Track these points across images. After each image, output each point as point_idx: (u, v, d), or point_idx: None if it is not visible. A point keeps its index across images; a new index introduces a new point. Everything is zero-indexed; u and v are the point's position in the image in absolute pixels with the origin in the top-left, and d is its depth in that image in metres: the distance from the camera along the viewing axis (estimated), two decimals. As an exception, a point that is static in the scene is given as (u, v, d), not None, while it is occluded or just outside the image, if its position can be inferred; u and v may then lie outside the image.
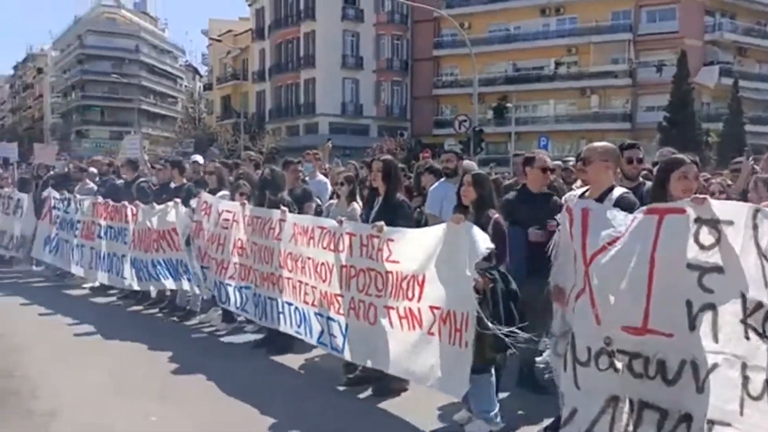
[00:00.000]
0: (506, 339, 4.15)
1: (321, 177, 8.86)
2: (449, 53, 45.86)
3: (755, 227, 3.10)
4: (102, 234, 9.06)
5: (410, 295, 4.62)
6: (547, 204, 5.01)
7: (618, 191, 4.12)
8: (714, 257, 3.13)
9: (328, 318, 5.45)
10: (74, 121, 72.13)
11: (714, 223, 3.17)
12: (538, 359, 5.69)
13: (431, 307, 4.46)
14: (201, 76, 74.84)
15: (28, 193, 11.37)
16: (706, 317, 3.11)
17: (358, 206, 6.07)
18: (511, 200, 5.32)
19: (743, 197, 5.03)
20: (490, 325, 4.11)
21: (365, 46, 47.22)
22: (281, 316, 6.13)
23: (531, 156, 5.47)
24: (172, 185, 8.70)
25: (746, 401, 3.00)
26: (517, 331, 4.16)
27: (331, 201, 6.89)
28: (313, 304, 5.67)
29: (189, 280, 7.82)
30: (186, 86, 79.59)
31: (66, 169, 11.84)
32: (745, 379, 3.02)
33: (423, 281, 4.54)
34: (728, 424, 2.98)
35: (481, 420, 4.45)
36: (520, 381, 5.32)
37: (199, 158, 10.59)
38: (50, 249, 10.13)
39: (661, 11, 41.27)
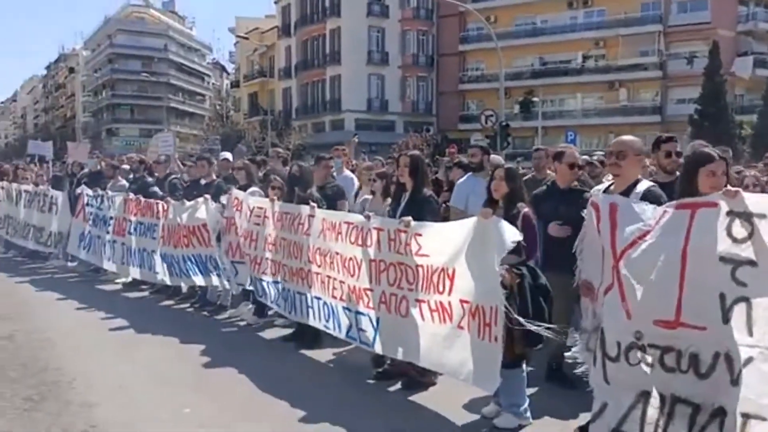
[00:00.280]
0: (535, 334, 4.16)
1: (348, 173, 8.90)
2: (475, 48, 45.66)
3: None
4: (132, 230, 9.23)
5: (441, 289, 4.64)
6: (574, 200, 4.99)
7: (644, 184, 4.09)
8: (747, 250, 3.10)
9: (357, 312, 5.50)
10: (105, 120, 73.44)
11: (747, 217, 3.14)
12: (566, 354, 5.67)
13: (461, 301, 4.48)
14: (228, 74, 75.52)
15: (62, 191, 11.63)
16: (740, 310, 3.09)
17: None
18: (538, 195, 5.32)
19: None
20: (520, 320, 4.12)
21: (391, 41, 47.22)
22: (310, 310, 6.20)
23: (560, 151, 5.44)
24: (202, 182, 8.83)
25: (782, 395, 2.96)
26: (542, 325, 4.16)
27: (366, 197, 6.92)
28: (341, 299, 5.72)
29: (218, 276, 7.94)
30: (213, 84, 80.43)
31: (98, 167, 12.05)
32: (781, 373, 2.98)
33: (453, 275, 4.56)
34: (764, 419, 2.95)
35: (510, 414, 4.47)
36: (548, 376, 5.32)
37: (228, 155, 10.71)
38: (84, 245, 10.33)
39: (692, 1, 40.52)
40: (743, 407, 3.00)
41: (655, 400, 3.38)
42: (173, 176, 10.02)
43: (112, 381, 5.52)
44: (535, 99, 40.74)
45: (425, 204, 5.36)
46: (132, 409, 4.89)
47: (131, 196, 9.42)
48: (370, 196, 6.71)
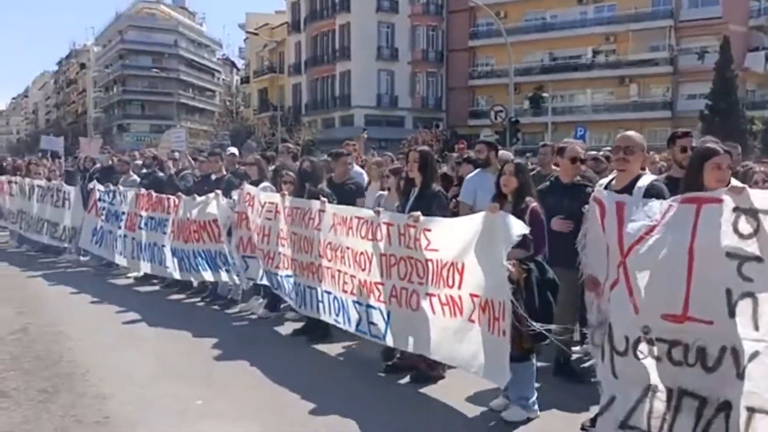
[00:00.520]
0: (541, 331, 4.19)
1: (357, 168, 8.94)
2: (485, 43, 45.54)
3: None
4: (143, 225, 9.31)
5: (451, 283, 4.69)
6: (577, 194, 5.01)
7: (646, 179, 4.13)
8: (753, 246, 3.13)
9: (368, 306, 5.56)
10: (115, 116, 73.84)
11: (753, 213, 3.16)
12: (574, 349, 5.70)
13: (471, 295, 4.52)
14: (238, 70, 75.67)
15: (74, 186, 11.73)
16: (746, 305, 3.11)
17: None
18: (542, 190, 5.33)
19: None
20: (525, 317, 4.14)
21: (400, 37, 47.13)
22: (320, 304, 6.26)
23: (562, 146, 5.48)
24: (213, 177, 8.90)
25: (787, 390, 2.99)
26: (542, 327, 4.19)
27: (380, 193, 6.95)
28: (352, 293, 5.78)
29: (228, 271, 8.00)
30: (223, 80, 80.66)
31: (110, 162, 12.15)
32: (786, 368, 3.01)
33: (462, 269, 4.60)
34: (768, 412, 2.98)
35: (519, 407, 4.51)
36: (556, 371, 5.35)
37: (235, 150, 10.79)
38: (96, 240, 10.42)
39: (704, -4, 40.27)
40: (748, 401, 3.03)
41: (662, 394, 3.41)
42: (185, 171, 10.11)
43: (125, 373, 5.60)
44: (544, 94, 40.59)
45: (434, 199, 5.39)
46: (144, 401, 4.96)
47: (143, 191, 9.50)
48: (385, 192, 6.74)
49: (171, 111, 68.22)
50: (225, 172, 8.96)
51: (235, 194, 7.78)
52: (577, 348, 5.79)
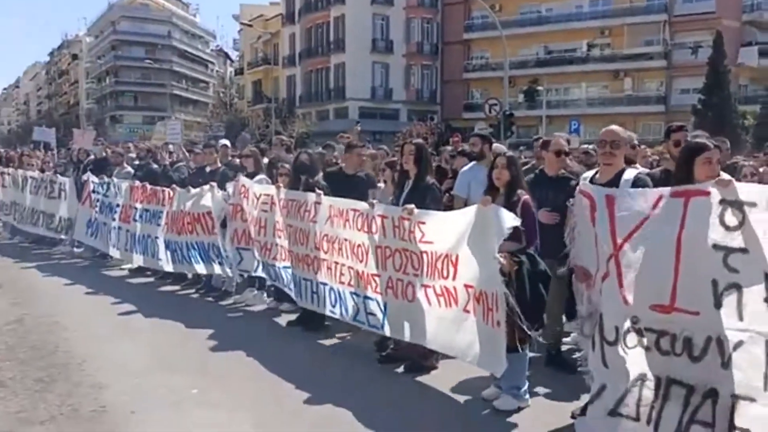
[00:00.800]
0: (533, 320, 4.27)
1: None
2: (480, 36, 45.42)
3: None
4: (137, 217, 9.31)
5: (445, 274, 4.77)
6: (561, 187, 5.06)
7: (631, 172, 4.25)
8: (738, 238, 3.20)
9: (365, 297, 5.63)
10: (108, 107, 73.39)
11: (738, 205, 3.23)
12: (565, 339, 5.79)
13: (466, 286, 4.60)
14: (232, 61, 75.29)
15: (68, 177, 11.71)
16: (731, 296, 3.19)
17: None
18: (527, 182, 5.38)
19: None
20: (515, 309, 4.21)
21: (395, 29, 46.99)
22: (315, 296, 6.32)
23: (547, 140, 5.56)
24: (208, 169, 8.91)
25: (770, 377, 3.06)
26: (527, 324, 4.25)
27: (378, 185, 6.97)
28: (349, 284, 5.84)
29: (221, 264, 8.03)
30: (217, 71, 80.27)
31: (104, 154, 12.13)
32: (769, 356, 3.08)
33: (457, 261, 4.67)
34: (753, 399, 3.06)
35: (510, 396, 4.58)
36: (547, 361, 5.42)
37: (227, 142, 10.80)
38: (91, 232, 10.42)
39: (697, -9, 40.29)
40: (734, 389, 3.11)
41: (650, 382, 3.49)
42: (179, 163, 10.12)
43: (121, 364, 5.63)
44: (539, 88, 40.57)
45: (428, 191, 5.45)
46: (140, 391, 5.00)
47: (137, 183, 9.50)
48: (381, 185, 6.77)
49: (164, 102, 67.92)
50: (219, 164, 8.97)
51: (229, 186, 7.80)
52: (568, 339, 5.87)
